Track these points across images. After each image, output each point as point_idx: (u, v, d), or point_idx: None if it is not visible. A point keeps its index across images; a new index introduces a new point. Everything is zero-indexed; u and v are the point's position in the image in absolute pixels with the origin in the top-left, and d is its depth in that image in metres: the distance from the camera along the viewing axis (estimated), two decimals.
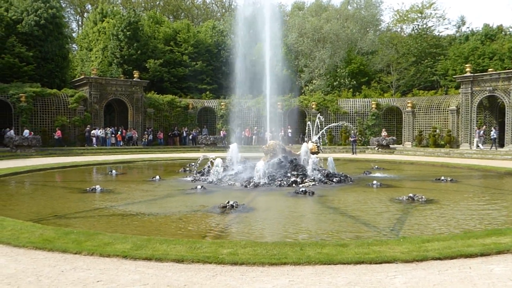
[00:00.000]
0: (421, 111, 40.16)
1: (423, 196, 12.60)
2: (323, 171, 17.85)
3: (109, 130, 38.11)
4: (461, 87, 35.93)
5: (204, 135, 41.69)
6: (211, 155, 20.55)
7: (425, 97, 41.95)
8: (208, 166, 18.55)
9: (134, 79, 40.51)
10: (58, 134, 34.72)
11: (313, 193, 13.71)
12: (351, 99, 44.08)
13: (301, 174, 16.81)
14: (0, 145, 32.69)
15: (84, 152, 33.09)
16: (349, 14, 55.94)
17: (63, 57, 43.74)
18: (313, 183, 16.07)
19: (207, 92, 48.50)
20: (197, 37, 51.82)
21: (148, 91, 44.20)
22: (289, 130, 41.56)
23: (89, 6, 71.44)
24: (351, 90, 46.69)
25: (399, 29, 60.28)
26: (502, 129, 34.92)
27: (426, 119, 39.69)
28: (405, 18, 56.36)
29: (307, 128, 32.44)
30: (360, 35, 53.87)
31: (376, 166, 23.96)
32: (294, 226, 9.49)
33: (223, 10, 79.27)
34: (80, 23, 73.26)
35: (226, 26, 56.57)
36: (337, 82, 49.01)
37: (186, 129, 42.71)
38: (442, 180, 17.54)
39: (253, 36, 31.55)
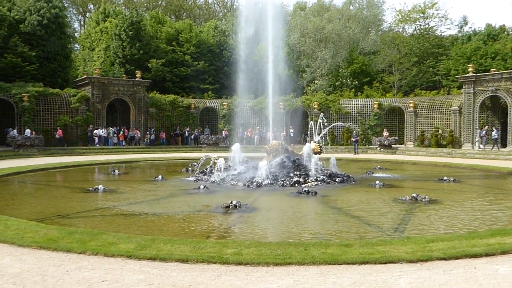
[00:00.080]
0: (423, 111, 40.10)
1: (426, 196, 12.58)
2: (326, 171, 17.84)
3: (111, 129, 38.12)
4: (464, 87, 35.86)
5: (206, 135, 41.69)
6: (213, 155, 20.53)
7: (427, 97, 41.87)
8: (211, 166, 18.56)
9: (136, 79, 40.53)
10: (59, 133, 34.74)
11: (316, 193, 13.70)
12: (353, 99, 44.04)
13: (303, 174, 16.80)
14: (2, 144, 32.72)
15: (86, 152, 33.11)
16: (351, 14, 55.93)
17: (66, 56, 43.78)
18: (315, 183, 16.07)
19: (209, 92, 48.49)
20: (199, 37, 51.84)
21: (150, 91, 44.21)
22: (291, 130, 41.54)
23: (91, 6, 71.56)
24: (353, 90, 46.65)
25: (401, 29, 60.28)
26: (505, 129, 34.85)
27: (428, 119, 39.62)
28: (407, 18, 56.32)
29: (309, 128, 32.46)
30: (362, 35, 53.85)
31: (379, 166, 23.93)
32: (297, 226, 9.49)
33: (225, 10, 79.30)
34: (82, 22, 73.41)
35: (228, 26, 56.59)
36: (339, 82, 48.98)
37: (188, 129, 42.71)
38: (445, 180, 17.52)
39: (255, 36, 31.59)
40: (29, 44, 39.84)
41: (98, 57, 50.64)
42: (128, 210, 11.00)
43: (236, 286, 5.30)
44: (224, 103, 44.75)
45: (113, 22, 48.80)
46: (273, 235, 8.89)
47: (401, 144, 40.51)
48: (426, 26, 54.86)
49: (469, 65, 36.49)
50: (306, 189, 14.02)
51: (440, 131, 37.67)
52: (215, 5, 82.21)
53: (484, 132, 33.93)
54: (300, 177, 16.40)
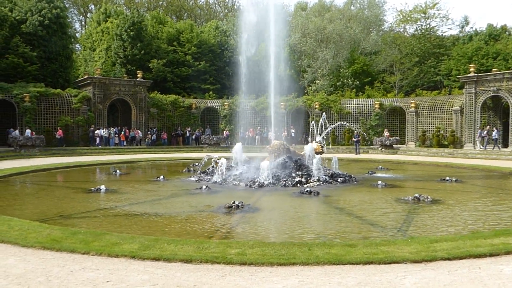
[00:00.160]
0: (424, 111, 40.07)
1: (428, 196, 12.57)
2: (328, 171, 17.84)
3: (112, 130, 38.13)
4: (465, 87, 35.83)
5: (207, 135, 41.69)
6: (215, 155, 20.55)
7: (428, 97, 41.83)
8: (213, 166, 18.56)
9: (137, 79, 40.54)
10: (59, 133, 34.72)
11: (318, 193, 13.69)
12: (354, 99, 44.01)
13: (305, 174, 16.78)
14: (4, 145, 32.73)
15: (88, 152, 33.12)
16: (352, 14, 55.94)
17: (67, 57, 43.79)
18: (317, 183, 16.05)
19: (210, 92, 48.49)
20: (200, 37, 51.85)
21: (152, 91, 44.21)
22: (292, 130, 41.51)
23: (92, 6, 71.61)
24: (354, 90, 46.63)
25: (402, 30, 60.25)
26: (506, 130, 34.84)
27: (429, 119, 39.58)
28: (409, 18, 56.27)
29: (310, 128, 32.44)
30: (363, 35, 53.85)
31: (380, 166, 23.91)
32: (300, 226, 9.48)
33: (226, 11, 79.34)
34: (83, 23, 73.43)
35: (229, 26, 56.60)
36: (340, 82, 48.97)
37: (189, 129, 42.71)
38: (447, 180, 17.51)
39: (256, 37, 31.56)
40: (31, 45, 39.85)
41: (99, 57, 50.65)
42: (130, 211, 10.99)
43: (241, 286, 5.29)
44: (225, 103, 44.73)
45: (114, 23, 48.81)
46: (276, 235, 8.88)
47: (402, 144, 40.49)
48: (427, 26, 54.82)
49: (471, 65, 36.46)
50: (308, 189, 14.01)
51: (441, 131, 37.65)
52: (216, 5, 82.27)
53: (485, 132, 33.89)
54: (302, 177, 16.39)
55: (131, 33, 46.18)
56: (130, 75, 43.89)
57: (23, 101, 34.09)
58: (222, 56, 52.42)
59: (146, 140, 39.41)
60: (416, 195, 12.67)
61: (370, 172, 20.85)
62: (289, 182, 15.84)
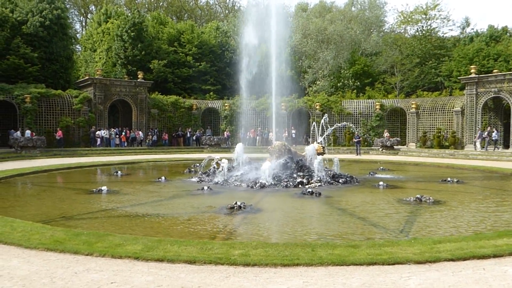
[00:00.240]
0: (425, 112, 40.06)
1: (430, 197, 12.57)
2: (329, 172, 17.84)
3: (113, 131, 38.12)
4: (466, 88, 35.83)
5: (208, 136, 41.68)
6: (216, 156, 20.55)
7: (429, 98, 41.82)
8: (214, 167, 18.55)
9: (138, 80, 40.55)
10: (59, 134, 34.68)
11: (320, 194, 13.69)
12: (355, 100, 44.00)
13: (307, 175, 16.79)
14: (5, 146, 32.72)
15: (89, 153, 33.10)
16: (353, 15, 55.96)
17: (68, 58, 43.80)
18: (319, 184, 16.06)
19: (211, 93, 48.48)
20: (201, 38, 51.85)
21: (152, 91, 44.22)
22: (293, 131, 41.51)
23: (93, 7, 71.66)
24: (355, 91, 46.61)
25: (402, 31, 60.24)
26: (508, 131, 34.84)
27: (430, 120, 39.58)
28: (409, 19, 56.26)
29: (311, 129, 32.47)
30: (364, 36, 53.86)
31: (381, 167, 23.90)
32: (302, 227, 9.47)
33: (226, 11, 79.36)
34: (84, 24, 73.45)
35: (230, 27, 56.60)
36: (341, 83, 48.96)
37: (190, 130, 42.70)
38: (449, 181, 17.50)
39: (257, 37, 31.55)
40: (31, 46, 39.85)
41: (100, 58, 50.67)
42: (132, 212, 10.98)
43: (245, 287, 5.29)
44: (226, 104, 44.72)
45: (115, 23, 48.82)
46: (279, 236, 8.87)
47: (403, 145, 40.48)
48: (428, 27, 54.81)
49: (472, 66, 36.48)
50: (310, 190, 14.01)
51: (442, 132, 37.65)
52: (217, 6, 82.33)
53: (486, 133, 33.89)
54: (303, 178, 16.39)
55: (132, 33, 46.19)
56: (130, 76, 43.91)
57: (24, 102, 34.09)
58: (222, 56, 52.43)
59: (147, 141, 39.41)
60: (418, 196, 12.67)
61: (371, 173, 20.85)
62: (291, 183, 15.84)
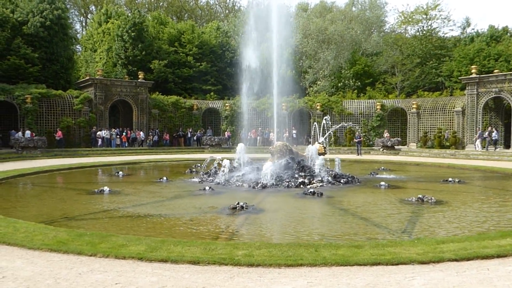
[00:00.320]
0: (426, 112, 40.07)
1: (432, 197, 12.56)
2: (330, 172, 17.83)
3: (114, 131, 38.12)
4: (467, 88, 35.84)
5: (208, 136, 41.68)
6: (217, 156, 20.55)
7: (430, 98, 41.83)
8: (215, 167, 18.56)
9: (139, 80, 40.56)
10: (58, 135, 34.67)
11: (321, 194, 13.68)
12: (355, 100, 44.00)
13: (308, 175, 16.79)
14: (6, 146, 32.71)
15: (90, 153, 33.12)
16: (354, 15, 55.92)
17: (68, 58, 43.81)
18: (321, 184, 16.05)
19: (212, 93, 48.48)
20: (202, 38, 51.86)
21: (153, 92, 44.24)
22: (294, 131, 41.50)
23: (93, 7, 71.67)
24: (355, 91, 46.62)
25: (403, 31, 60.20)
26: (508, 131, 34.84)
27: (431, 120, 39.59)
28: (410, 19, 56.23)
29: (312, 129, 32.45)
30: (364, 36, 53.85)
31: (382, 167, 23.89)
32: (305, 227, 9.46)
33: (227, 11, 79.38)
34: (84, 24, 73.47)
35: (230, 27, 56.59)
36: (341, 83, 48.95)
37: (190, 130, 42.70)
38: (450, 181, 17.49)
39: (258, 37, 31.53)
40: (32, 46, 39.87)
41: (100, 58, 50.69)
42: (134, 212, 10.97)
43: None
44: (226, 104, 44.72)
45: (116, 23, 48.84)
46: (282, 236, 8.86)
47: (404, 145, 40.47)
48: (429, 27, 54.79)
49: (473, 67, 36.49)
50: (312, 190, 14.01)
51: (443, 132, 37.66)
52: (217, 6, 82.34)
53: (487, 133, 33.88)
54: (305, 178, 16.39)
55: (132, 34, 46.20)
56: (131, 76, 43.92)
57: (24, 102, 34.10)
58: (223, 57, 52.44)
59: (148, 141, 39.41)
60: (420, 196, 12.67)
61: (372, 173, 20.84)
62: (292, 183, 15.84)
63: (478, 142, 34.23)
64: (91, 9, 72.89)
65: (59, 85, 40.72)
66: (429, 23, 55.06)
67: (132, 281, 5.43)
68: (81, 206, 11.88)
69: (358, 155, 35.15)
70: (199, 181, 17.27)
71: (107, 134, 37.20)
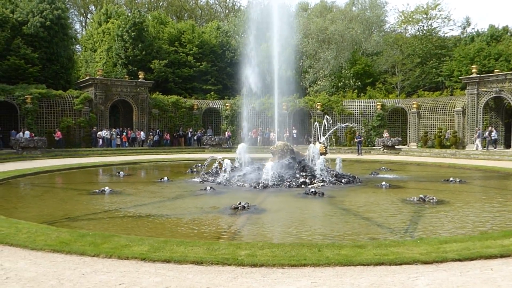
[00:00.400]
0: (426, 112, 40.07)
1: (434, 197, 12.55)
2: (332, 172, 17.82)
3: (114, 131, 38.11)
4: (467, 88, 35.83)
5: (209, 135, 41.68)
6: (218, 156, 20.54)
7: (430, 98, 41.83)
8: (216, 167, 18.55)
9: (139, 80, 40.55)
10: (57, 135, 34.64)
11: (323, 194, 13.67)
12: (356, 100, 43.99)
13: (309, 175, 16.78)
14: (7, 147, 32.68)
15: (90, 154, 33.10)
16: (354, 15, 55.91)
17: (68, 58, 43.79)
18: (322, 184, 16.04)
19: (212, 93, 48.47)
20: (202, 38, 51.84)
21: (153, 92, 44.23)
22: (294, 131, 41.49)
23: (93, 7, 71.66)
24: (356, 91, 46.59)
25: (403, 30, 60.18)
26: (509, 130, 34.84)
27: (431, 120, 39.60)
28: (410, 19, 56.22)
29: (313, 129, 32.46)
30: (364, 36, 53.83)
31: (383, 167, 23.88)
32: (307, 227, 9.46)
33: (227, 11, 79.37)
34: (83, 24, 73.46)
35: (230, 26, 56.56)
36: (341, 83, 48.93)
37: (191, 130, 42.69)
38: (451, 181, 17.48)
39: (258, 37, 31.53)
40: (32, 46, 39.85)
41: (100, 58, 50.67)
42: (136, 213, 10.95)
43: None
44: (227, 104, 44.71)
45: (115, 23, 48.82)
46: (284, 236, 8.84)
47: (404, 145, 40.46)
48: (429, 27, 54.79)
49: (473, 66, 36.49)
50: (313, 190, 14.01)
51: (443, 132, 37.66)
52: (217, 5, 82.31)
53: (487, 132, 33.88)
54: (306, 178, 16.38)
55: (132, 33, 46.19)
56: (131, 76, 43.90)
57: (25, 102, 34.07)
58: (223, 56, 52.44)
59: (148, 141, 39.40)
60: (421, 196, 12.66)
61: (373, 172, 20.84)
62: (294, 183, 15.83)
63: (477, 141, 34.25)
64: (90, 9, 72.89)
65: (59, 85, 40.71)
66: (429, 23, 55.10)
67: (135, 281, 5.42)
68: (82, 207, 11.87)
69: (359, 154, 35.13)
70: (200, 181, 17.26)
71: (107, 134, 37.18)
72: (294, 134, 41.13)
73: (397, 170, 23.29)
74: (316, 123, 28.39)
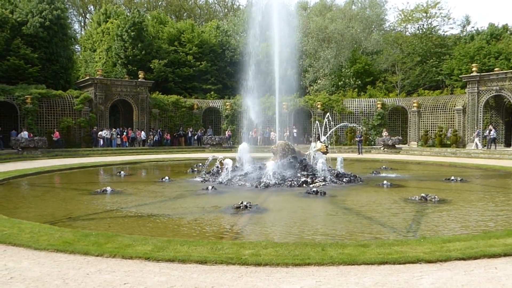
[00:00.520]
0: (426, 111, 40.07)
1: (435, 196, 12.54)
2: (333, 171, 17.81)
3: (114, 131, 38.09)
4: (467, 86, 35.83)
5: (209, 135, 41.66)
6: (219, 155, 20.53)
7: (430, 96, 41.85)
8: (217, 167, 18.53)
9: (139, 80, 40.53)
10: (56, 135, 34.60)
11: (324, 193, 13.66)
12: (356, 99, 43.99)
13: (311, 174, 16.77)
14: (7, 147, 32.67)
15: (90, 153, 33.09)
16: (354, 13, 55.90)
17: (68, 58, 43.77)
18: (323, 183, 16.04)
19: (212, 92, 48.47)
20: (201, 37, 51.81)
21: (153, 91, 44.22)
22: (294, 130, 41.49)
23: (92, 7, 71.61)
24: (356, 90, 46.60)
25: (403, 29, 60.17)
26: (509, 129, 34.84)
27: (431, 119, 39.60)
28: (410, 17, 56.20)
29: (314, 128, 32.45)
30: (364, 34, 53.82)
31: (384, 166, 23.89)
32: (310, 226, 9.46)
33: (226, 10, 79.35)
34: (82, 24, 73.46)
35: (230, 26, 56.52)
36: (342, 82, 48.90)
37: (191, 130, 42.69)
38: (452, 180, 17.47)
39: (258, 36, 31.48)
40: (32, 46, 39.83)
41: (100, 58, 50.64)
42: (138, 212, 10.95)
43: (258, 287, 5.27)
44: (227, 103, 44.69)
45: (115, 23, 48.78)
46: (287, 235, 8.83)
47: (405, 144, 40.46)
48: (429, 25, 54.78)
49: (473, 65, 36.50)
50: (315, 189, 13.99)
51: (443, 131, 37.66)
52: (216, 5, 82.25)
53: (488, 131, 33.87)
54: (307, 177, 16.37)
55: (132, 33, 46.14)
56: (131, 76, 43.88)
57: (25, 103, 34.06)
58: (223, 56, 52.41)
59: (149, 140, 39.39)
60: (423, 195, 12.65)
61: (374, 172, 20.83)
62: (295, 182, 15.82)
63: (476, 140, 34.27)
64: (89, 9, 72.85)
65: (59, 85, 40.70)
66: (429, 21, 55.09)
67: (140, 281, 5.42)
68: (84, 206, 11.86)
69: (359, 154, 35.12)
70: (202, 181, 17.25)
71: (107, 134, 37.17)
72: (295, 134, 41.12)
73: (398, 169, 23.29)
74: (317, 122, 28.38)
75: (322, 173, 17.05)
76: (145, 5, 72.46)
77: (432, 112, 39.65)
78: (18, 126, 34.10)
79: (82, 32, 67.86)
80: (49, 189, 16.08)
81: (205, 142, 40.24)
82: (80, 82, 41.46)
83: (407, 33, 58.41)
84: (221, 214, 10.69)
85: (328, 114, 28.83)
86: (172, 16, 71.21)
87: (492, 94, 34.51)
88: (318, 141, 20.23)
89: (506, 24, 52.39)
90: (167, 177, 17.87)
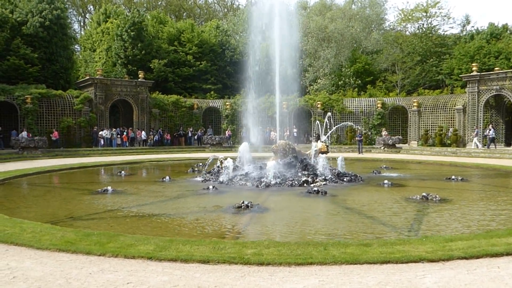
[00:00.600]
0: (427, 110, 40.07)
1: (437, 196, 12.54)
2: (334, 170, 17.81)
3: (114, 131, 38.09)
4: (468, 86, 35.84)
5: (209, 135, 41.66)
6: (220, 155, 20.53)
7: (430, 96, 41.86)
8: (218, 166, 18.51)
9: (139, 80, 40.52)
10: (54, 135, 34.59)
11: (325, 192, 13.66)
12: (356, 99, 43.98)
13: (311, 174, 16.77)
14: (7, 147, 32.66)
15: (91, 153, 33.07)
16: (353, 13, 55.88)
17: (68, 58, 43.78)
18: (324, 182, 16.04)
19: (212, 92, 48.46)
20: (201, 37, 51.79)
21: (153, 91, 44.20)
22: (295, 130, 41.48)
23: (91, 7, 71.59)
24: (356, 89, 46.60)
25: (403, 28, 60.16)
26: (509, 128, 34.84)
27: (432, 118, 39.60)
28: (410, 17, 56.19)
29: (314, 128, 32.45)
30: (364, 34, 53.80)
31: (385, 166, 23.90)
32: (311, 226, 9.45)
33: (225, 10, 79.33)
34: (82, 24, 73.44)
35: (230, 25, 56.50)
36: (342, 82, 48.91)
37: (191, 129, 42.68)
38: (453, 179, 17.47)
39: (257, 36, 31.50)
40: (32, 46, 39.83)
41: (100, 58, 50.62)
42: (139, 212, 10.94)
43: (261, 286, 5.27)
44: (227, 103, 44.69)
45: (115, 23, 48.78)
46: (289, 235, 8.83)
47: (405, 143, 40.47)
48: (429, 25, 54.77)
49: (473, 64, 36.51)
50: (316, 188, 13.98)
51: (444, 130, 37.67)
52: (215, 4, 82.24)
53: (488, 131, 33.87)
54: (308, 176, 16.37)
55: (132, 33, 46.13)
56: (131, 76, 43.88)
57: (25, 102, 34.05)
58: (223, 55, 52.39)
59: (149, 140, 39.39)
60: (424, 194, 12.65)
61: (375, 171, 20.81)
62: (296, 182, 15.81)
63: (475, 140, 34.29)
64: (89, 8, 72.84)
65: (59, 85, 40.69)
66: (429, 21, 55.07)
67: (143, 280, 5.41)
68: (85, 206, 11.86)
69: (360, 153, 35.12)
70: (202, 180, 17.24)
71: (108, 134, 37.15)
72: (295, 133, 41.12)
73: (398, 168, 23.30)
74: (317, 121, 28.37)
75: (323, 172, 17.06)
76: (145, 5, 72.45)
77: (432, 111, 39.65)
78: (18, 126, 34.10)
79: (82, 32, 67.86)
80: (50, 189, 16.08)
81: (205, 142, 40.23)
82: (80, 82, 41.45)
83: (407, 32, 58.42)
84: (222, 213, 10.69)
85: (329, 113, 28.83)
86: (172, 16, 71.20)
87: (492, 94, 34.52)
88: (319, 140, 20.22)
89: (506, 24, 52.45)
90: (167, 177, 17.85)
